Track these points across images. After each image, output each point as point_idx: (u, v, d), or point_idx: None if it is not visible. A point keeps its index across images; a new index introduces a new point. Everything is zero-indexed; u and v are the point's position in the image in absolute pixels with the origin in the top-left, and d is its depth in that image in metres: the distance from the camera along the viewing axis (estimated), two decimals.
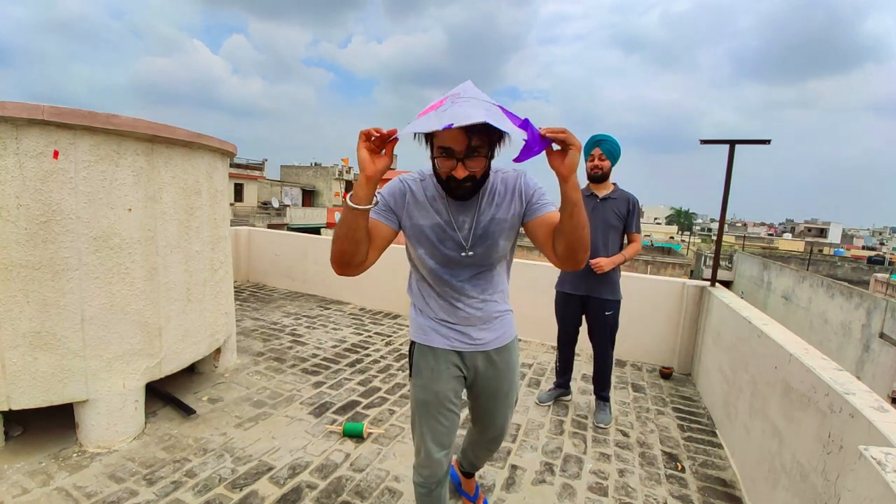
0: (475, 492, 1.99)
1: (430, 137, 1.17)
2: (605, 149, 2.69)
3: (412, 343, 1.48)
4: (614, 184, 2.83)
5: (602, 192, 2.79)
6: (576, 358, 3.90)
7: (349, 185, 40.86)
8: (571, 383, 3.36)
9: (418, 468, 1.47)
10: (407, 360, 3.67)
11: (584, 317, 2.95)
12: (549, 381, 3.44)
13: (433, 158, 1.18)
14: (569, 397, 3.19)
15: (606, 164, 2.72)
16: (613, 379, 3.55)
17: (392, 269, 5.06)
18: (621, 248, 2.83)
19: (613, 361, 2.96)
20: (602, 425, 2.81)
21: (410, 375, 1.48)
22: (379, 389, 3.12)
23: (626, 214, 2.75)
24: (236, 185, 30.59)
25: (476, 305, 1.41)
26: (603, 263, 2.67)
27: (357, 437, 2.47)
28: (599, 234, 2.75)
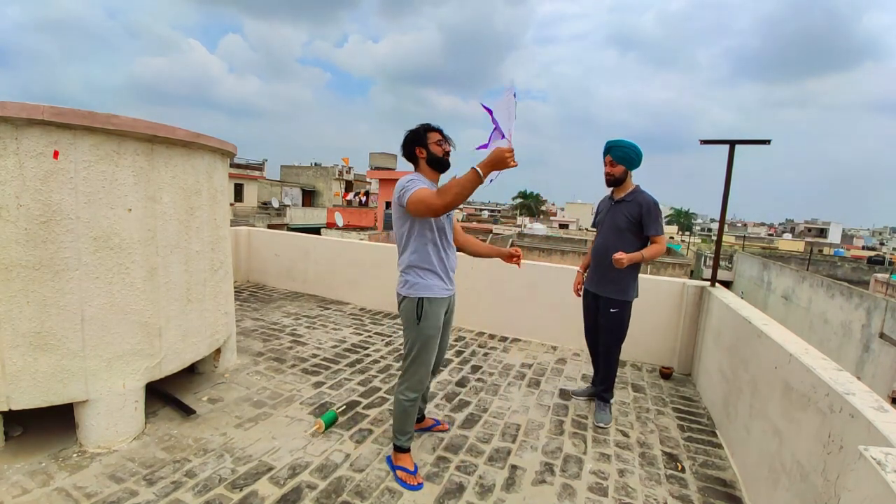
0: (435, 422, 2.63)
1: (425, 139, 2.10)
2: (615, 155, 2.73)
3: (420, 300, 2.05)
4: (637, 185, 2.82)
5: (619, 194, 2.82)
6: (575, 359, 3.91)
7: (349, 185, 40.85)
8: (572, 384, 3.38)
9: (414, 388, 2.13)
10: None
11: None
12: (549, 381, 3.44)
13: (428, 146, 2.08)
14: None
15: (618, 169, 2.74)
16: None
17: (392, 269, 5.06)
18: (637, 250, 2.75)
19: (618, 363, 2.95)
20: (602, 425, 2.81)
21: (418, 323, 2.06)
22: (379, 389, 3.12)
23: (638, 217, 2.70)
24: (236, 185, 30.56)
25: (453, 255, 2.21)
26: (621, 257, 2.60)
27: (333, 421, 2.60)
28: (607, 235, 2.80)
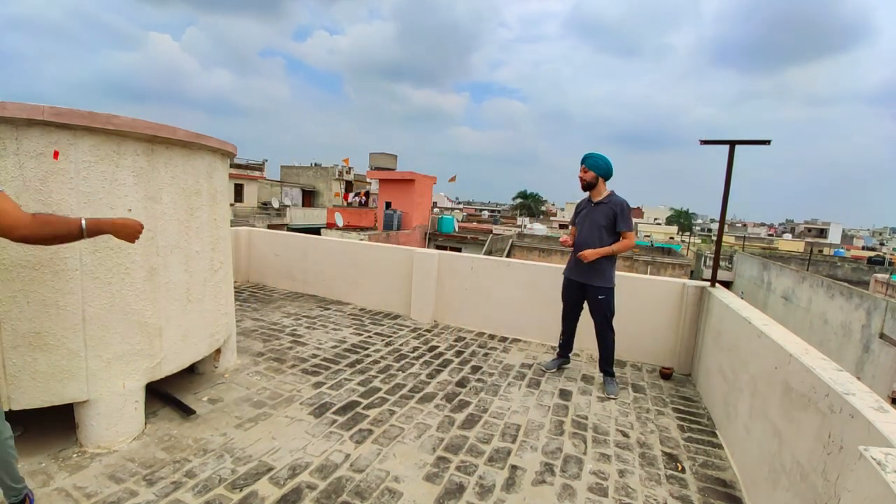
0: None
1: None
2: (588, 164, 3.30)
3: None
4: (612, 191, 3.35)
5: (596, 198, 3.36)
6: (576, 359, 3.92)
7: (349, 186, 40.89)
8: (572, 384, 3.41)
9: None
10: (406, 359, 3.69)
11: (585, 301, 3.49)
12: (549, 382, 3.45)
13: None
14: (569, 365, 3.77)
15: (589, 174, 3.30)
16: None
17: (392, 270, 5.05)
18: (609, 245, 3.30)
19: (615, 343, 3.40)
20: (612, 396, 3.23)
21: None
22: (379, 390, 3.12)
23: (613, 217, 3.24)
24: (236, 185, 30.55)
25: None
26: (587, 253, 3.23)
27: None
28: (591, 232, 3.31)
